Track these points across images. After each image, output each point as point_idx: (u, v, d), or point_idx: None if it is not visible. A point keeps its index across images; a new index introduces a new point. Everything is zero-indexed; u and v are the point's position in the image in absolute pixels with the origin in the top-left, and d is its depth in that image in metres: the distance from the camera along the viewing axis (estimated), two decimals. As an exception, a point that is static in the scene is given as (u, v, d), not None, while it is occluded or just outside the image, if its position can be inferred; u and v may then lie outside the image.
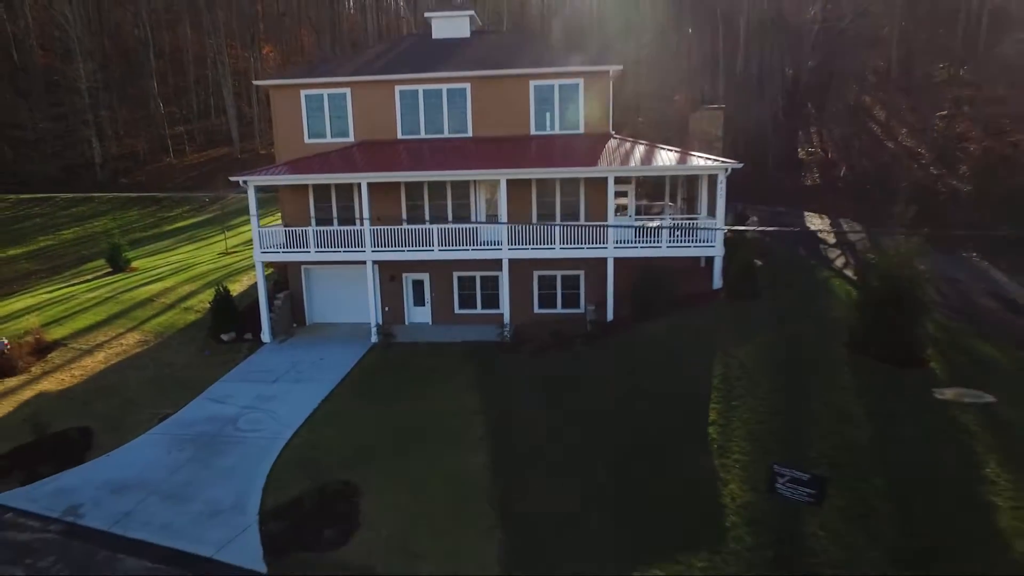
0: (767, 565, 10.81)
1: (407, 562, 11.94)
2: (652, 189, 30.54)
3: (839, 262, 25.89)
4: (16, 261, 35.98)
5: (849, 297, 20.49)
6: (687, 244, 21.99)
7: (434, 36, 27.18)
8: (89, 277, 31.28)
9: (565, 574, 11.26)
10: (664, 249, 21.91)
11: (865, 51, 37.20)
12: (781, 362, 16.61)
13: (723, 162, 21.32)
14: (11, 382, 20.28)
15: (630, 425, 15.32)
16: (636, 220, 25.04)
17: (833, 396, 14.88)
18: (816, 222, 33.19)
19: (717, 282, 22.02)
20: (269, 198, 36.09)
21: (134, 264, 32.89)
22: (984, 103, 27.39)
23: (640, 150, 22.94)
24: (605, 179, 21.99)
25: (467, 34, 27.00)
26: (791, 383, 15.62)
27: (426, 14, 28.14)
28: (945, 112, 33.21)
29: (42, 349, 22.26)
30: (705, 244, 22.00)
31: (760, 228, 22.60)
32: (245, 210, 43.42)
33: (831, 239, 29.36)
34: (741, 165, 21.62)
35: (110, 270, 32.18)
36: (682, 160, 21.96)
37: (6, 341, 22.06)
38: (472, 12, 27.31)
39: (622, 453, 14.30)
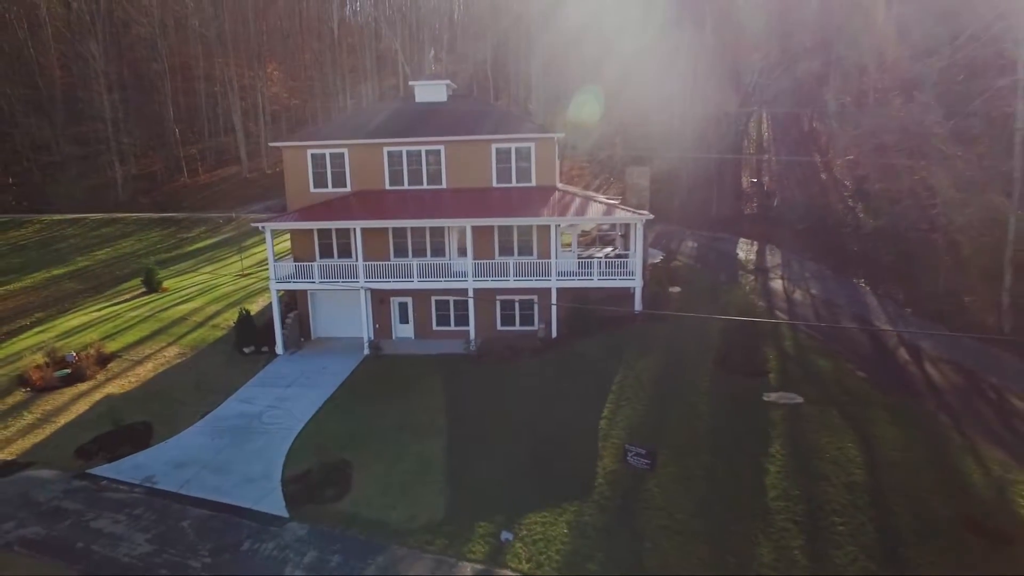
0: (616, 509, 16.57)
1: (382, 511, 17.69)
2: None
3: (747, 288, 31.63)
4: (62, 281, 41.78)
5: (732, 321, 26.20)
6: (613, 277, 27.73)
7: (417, 100, 32.95)
8: (128, 297, 37.04)
9: (486, 516, 17.00)
10: (596, 281, 27.67)
11: (801, 96, 42.89)
12: (664, 372, 22.38)
13: (639, 214, 27.06)
14: (83, 387, 26.03)
15: (547, 419, 21.07)
16: (583, 253, 30.76)
17: (693, 398, 20.65)
18: (745, 247, 38.96)
19: (638, 307, 27.77)
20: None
21: (165, 285, 38.59)
22: (871, 151, 33.02)
23: (577, 202, 28.69)
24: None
25: (444, 99, 32.75)
26: (666, 388, 21.39)
27: (410, 82, 33.95)
28: (851, 156, 38.95)
29: (102, 360, 28.01)
30: (628, 277, 27.72)
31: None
32: (258, 230, 49.20)
33: (750, 267, 35.08)
34: (652, 217, 27.39)
35: (144, 290, 37.88)
36: (608, 212, 27.73)
37: (74, 353, 27.88)
38: (448, 81, 33.09)
39: (538, 439, 20.05)
